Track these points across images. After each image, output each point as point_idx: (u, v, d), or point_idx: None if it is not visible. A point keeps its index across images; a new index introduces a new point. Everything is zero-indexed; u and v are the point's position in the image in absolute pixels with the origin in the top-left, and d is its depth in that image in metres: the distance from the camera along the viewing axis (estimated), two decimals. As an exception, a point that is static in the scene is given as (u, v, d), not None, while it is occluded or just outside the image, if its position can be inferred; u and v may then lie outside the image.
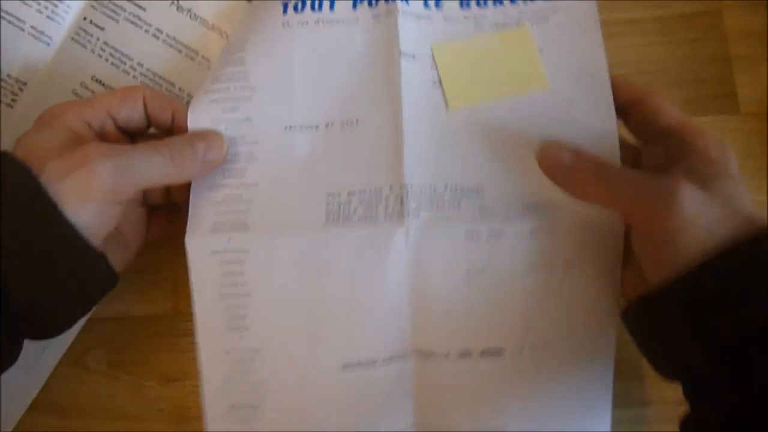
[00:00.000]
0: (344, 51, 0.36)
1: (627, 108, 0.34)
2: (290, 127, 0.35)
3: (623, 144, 0.34)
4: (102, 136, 0.33)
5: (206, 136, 0.34)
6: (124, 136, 0.35)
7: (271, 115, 0.35)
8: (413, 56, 0.35)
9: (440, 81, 0.35)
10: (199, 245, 0.34)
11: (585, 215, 0.33)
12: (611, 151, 0.33)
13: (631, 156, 0.34)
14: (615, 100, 0.34)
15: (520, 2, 0.36)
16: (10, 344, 0.29)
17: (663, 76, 0.41)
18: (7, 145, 0.38)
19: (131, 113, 0.34)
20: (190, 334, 0.38)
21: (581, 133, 0.33)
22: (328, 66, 0.36)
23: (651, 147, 0.33)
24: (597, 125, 0.34)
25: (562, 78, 0.35)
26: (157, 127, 0.36)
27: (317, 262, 0.33)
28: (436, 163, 0.34)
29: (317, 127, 0.35)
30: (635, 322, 0.31)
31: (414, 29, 0.36)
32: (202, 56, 0.41)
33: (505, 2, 0.36)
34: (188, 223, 0.34)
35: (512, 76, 0.35)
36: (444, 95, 0.35)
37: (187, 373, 0.38)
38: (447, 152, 0.34)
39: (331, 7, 0.36)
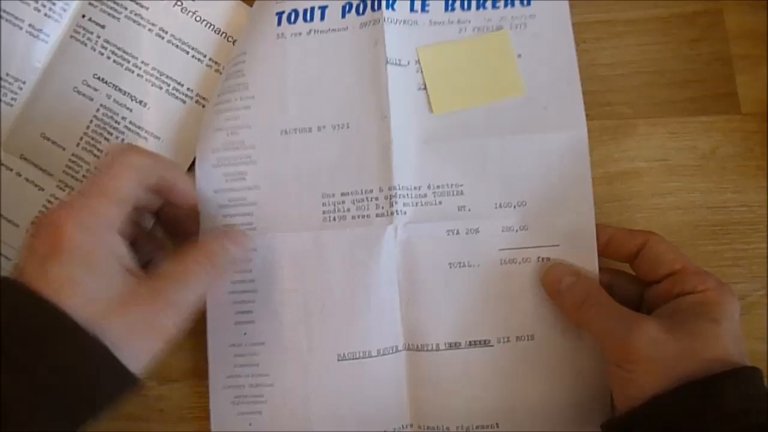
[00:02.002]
0: (334, 59, 0.37)
1: (631, 258, 0.35)
2: (285, 131, 0.37)
3: (629, 277, 0.36)
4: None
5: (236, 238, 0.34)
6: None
7: (268, 121, 0.37)
8: (399, 61, 0.37)
9: (425, 85, 0.37)
10: None
11: (555, 214, 0.36)
12: (580, 156, 0.36)
13: (635, 290, 0.35)
14: (619, 252, 0.35)
15: (501, 7, 0.38)
16: None
17: (663, 76, 0.41)
18: (7, 143, 0.38)
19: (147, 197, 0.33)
20: (190, 334, 0.38)
21: (552, 137, 0.36)
22: (320, 73, 0.37)
23: (655, 287, 0.34)
24: (568, 130, 0.36)
25: (537, 84, 0.37)
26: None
27: (316, 259, 0.36)
28: (420, 165, 0.36)
29: (310, 129, 0.37)
30: None
31: (400, 35, 0.37)
32: (210, 59, 0.40)
33: (487, 6, 0.38)
34: (200, 225, 0.36)
35: (492, 82, 0.37)
36: (428, 100, 0.37)
37: (187, 373, 0.38)
38: (430, 154, 0.36)
39: (322, 17, 0.38)
